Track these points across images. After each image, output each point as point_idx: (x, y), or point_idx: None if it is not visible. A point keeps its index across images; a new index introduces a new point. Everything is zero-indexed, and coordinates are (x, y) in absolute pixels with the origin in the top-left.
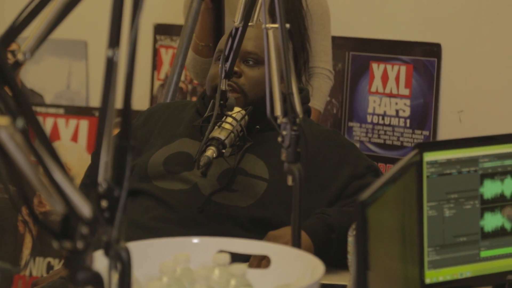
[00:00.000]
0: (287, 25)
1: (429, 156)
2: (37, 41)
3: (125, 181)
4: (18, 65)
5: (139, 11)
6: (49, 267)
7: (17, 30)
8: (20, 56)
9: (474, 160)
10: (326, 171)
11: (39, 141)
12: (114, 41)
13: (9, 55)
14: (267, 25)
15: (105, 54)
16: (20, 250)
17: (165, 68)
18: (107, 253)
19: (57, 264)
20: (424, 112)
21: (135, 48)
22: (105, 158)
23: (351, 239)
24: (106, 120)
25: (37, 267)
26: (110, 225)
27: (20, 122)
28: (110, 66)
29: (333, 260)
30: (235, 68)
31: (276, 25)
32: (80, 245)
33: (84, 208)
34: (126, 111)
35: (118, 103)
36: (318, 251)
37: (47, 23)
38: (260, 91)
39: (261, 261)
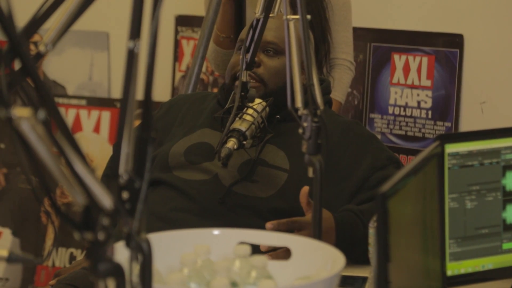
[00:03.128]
0: (308, 16)
1: (450, 148)
2: (58, 32)
3: (146, 172)
4: (40, 56)
5: (160, 2)
6: (72, 257)
7: (39, 21)
8: (42, 48)
9: (496, 152)
10: (347, 162)
11: (61, 132)
12: (135, 32)
13: (32, 46)
14: (288, 16)
15: (126, 46)
16: (42, 241)
17: (186, 60)
18: (128, 245)
19: (80, 255)
20: (446, 104)
21: (156, 40)
22: (126, 149)
23: (372, 231)
24: (127, 112)
25: (60, 258)
26: (131, 217)
27: (41, 114)
28: (131, 57)
29: (358, 255)
30: (255, 58)
31: (297, 16)
32: (101, 236)
33: (105, 199)
34: (147, 103)
35: (139, 95)
36: (341, 240)
37: (69, 14)
38: (279, 81)
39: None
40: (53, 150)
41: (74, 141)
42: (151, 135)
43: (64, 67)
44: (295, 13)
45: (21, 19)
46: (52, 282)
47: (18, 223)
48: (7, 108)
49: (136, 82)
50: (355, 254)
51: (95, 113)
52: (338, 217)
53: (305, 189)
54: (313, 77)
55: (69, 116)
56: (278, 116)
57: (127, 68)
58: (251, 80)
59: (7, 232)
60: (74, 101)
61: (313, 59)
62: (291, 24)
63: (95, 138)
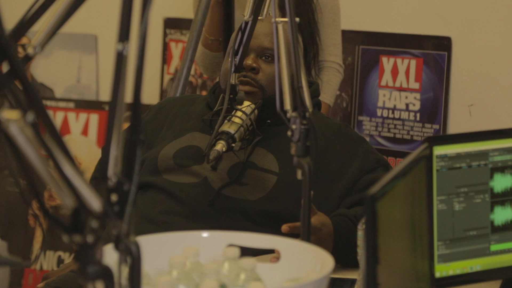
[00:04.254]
0: (297, 19)
1: (439, 150)
2: (47, 35)
3: (134, 175)
4: (28, 59)
5: (149, 5)
6: (60, 260)
7: (27, 24)
8: (30, 50)
9: (484, 154)
10: (336, 165)
11: (49, 135)
12: (124, 35)
13: (20, 49)
14: (277, 19)
15: (115, 48)
16: (30, 244)
17: (174, 62)
18: (117, 247)
19: (68, 258)
20: (434, 106)
21: (145, 42)
22: (115, 152)
23: (360, 233)
24: (116, 114)
25: (48, 261)
26: (120, 219)
27: (30, 116)
28: (120, 60)
29: (352, 260)
30: (253, 64)
31: (285, 19)
32: (90, 239)
33: (94, 202)
34: (136, 105)
35: (128, 97)
36: (338, 245)
37: (57, 17)
38: None
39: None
40: (41, 152)
41: (63, 144)
42: (140, 137)
43: (52, 69)
44: (283, 15)
45: (9, 22)
46: (41, 285)
47: (5, 226)
48: None
49: (125, 85)
50: (349, 259)
51: (83, 115)
52: (335, 222)
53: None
54: (302, 80)
55: (57, 119)
56: (269, 121)
57: (116, 70)
58: (244, 84)
59: None
60: (62, 104)
61: (302, 61)
62: (280, 27)
63: (83, 140)
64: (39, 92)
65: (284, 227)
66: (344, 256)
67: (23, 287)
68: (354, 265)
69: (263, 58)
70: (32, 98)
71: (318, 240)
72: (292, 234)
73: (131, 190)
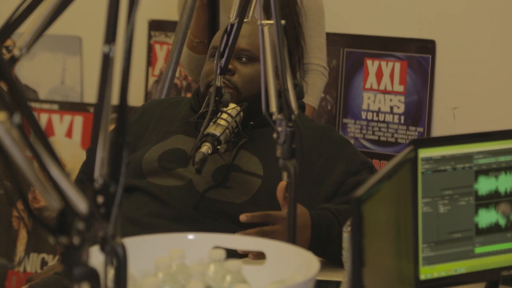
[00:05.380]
0: (283, 22)
1: (424, 153)
2: (33, 36)
3: (121, 177)
4: (14, 60)
5: (135, 7)
6: (43, 263)
7: (13, 26)
8: (16, 52)
9: (468, 157)
10: (320, 167)
11: (36, 136)
12: (110, 37)
13: (3, 51)
14: (263, 22)
15: (102, 50)
16: (14, 246)
17: (159, 64)
18: (103, 249)
19: (51, 260)
20: (418, 109)
21: (131, 44)
22: (101, 154)
23: (346, 236)
24: (102, 116)
25: (31, 263)
26: (106, 221)
27: (17, 118)
28: (107, 62)
29: (332, 254)
30: (229, 66)
31: (271, 22)
32: (76, 240)
33: (80, 203)
34: (122, 107)
35: (114, 99)
36: (316, 237)
37: (43, 19)
38: (253, 88)
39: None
40: (26, 154)
41: (49, 145)
42: (126, 139)
43: (36, 71)
44: (268, 18)
45: None
46: (25, 287)
47: None
48: None
49: (112, 87)
50: (328, 253)
51: (67, 117)
52: (314, 214)
53: (283, 184)
54: (287, 82)
55: (41, 121)
56: (252, 122)
57: (102, 72)
58: (225, 87)
59: None
60: (46, 106)
61: (287, 64)
62: (266, 29)
63: (68, 142)
64: (26, 94)
65: (242, 217)
66: (323, 249)
67: None
68: (334, 259)
69: (239, 59)
70: (19, 100)
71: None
72: (252, 225)
73: (117, 192)
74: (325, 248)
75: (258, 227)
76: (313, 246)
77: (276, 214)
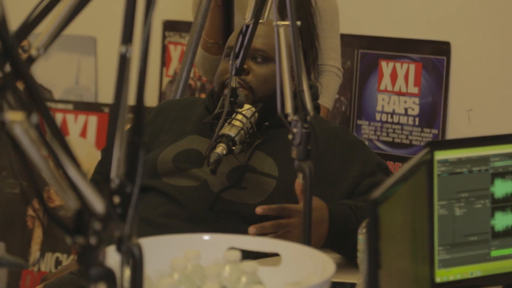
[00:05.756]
0: (298, 23)
1: (440, 155)
2: (50, 37)
3: (137, 177)
4: (31, 60)
5: (152, 7)
6: (58, 262)
7: (31, 26)
8: (33, 52)
9: (485, 159)
10: (336, 168)
11: (53, 136)
12: (127, 37)
13: (19, 51)
14: (278, 22)
15: (118, 51)
16: (28, 245)
17: (173, 65)
18: (119, 249)
19: (66, 260)
20: (433, 111)
21: (148, 45)
22: (117, 154)
23: (361, 238)
24: (118, 116)
25: (46, 263)
26: (122, 221)
27: (34, 118)
28: (123, 62)
29: (349, 250)
30: (244, 66)
31: (287, 23)
32: (93, 240)
33: (97, 203)
34: (139, 108)
35: (130, 100)
36: (334, 231)
37: (60, 19)
38: (268, 89)
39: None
40: (43, 154)
41: (66, 145)
42: (142, 139)
43: (51, 71)
44: (283, 19)
45: (13, 23)
46: (39, 287)
47: (3, 227)
48: (0, 112)
49: (128, 87)
50: (345, 248)
51: (82, 117)
52: (332, 208)
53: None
54: (303, 83)
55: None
56: (266, 123)
57: (119, 73)
58: (240, 88)
59: None
60: (60, 106)
61: (303, 65)
62: (281, 30)
63: (82, 142)
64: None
65: (251, 229)
66: (340, 243)
67: None
68: (350, 256)
69: (254, 59)
70: (37, 100)
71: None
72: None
73: (133, 192)
74: (342, 243)
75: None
76: (330, 241)
77: (292, 207)
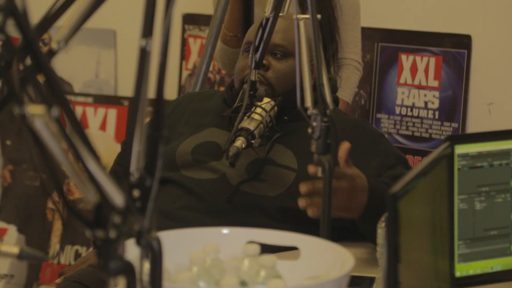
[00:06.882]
0: (318, 16)
1: (460, 149)
2: (71, 30)
3: (157, 171)
4: (52, 53)
5: (172, 0)
6: (77, 255)
7: (52, 19)
8: (54, 45)
9: (506, 153)
10: (356, 161)
11: (73, 130)
12: (147, 30)
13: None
14: (298, 16)
15: (138, 44)
16: (48, 238)
17: (193, 58)
18: (138, 243)
19: (85, 252)
20: (453, 104)
21: (168, 38)
22: (137, 147)
23: (381, 232)
24: (138, 110)
25: (65, 255)
26: (141, 215)
27: (55, 111)
28: (143, 55)
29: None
30: (264, 61)
31: (307, 16)
32: (112, 234)
33: (117, 197)
34: (159, 101)
35: (150, 93)
36: (371, 205)
37: (81, 12)
38: (287, 84)
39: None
40: (63, 147)
41: (87, 139)
42: (162, 133)
43: (71, 64)
44: (304, 12)
45: (34, 17)
46: (59, 280)
47: (23, 220)
48: (21, 105)
49: (148, 80)
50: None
51: (101, 110)
52: (373, 182)
53: (347, 145)
54: (323, 77)
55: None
56: (286, 118)
57: (139, 66)
58: (259, 83)
59: (12, 229)
60: (80, 99)
61: (323, 58)
62: (301, 24)
63: (102, 135)
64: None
65: (302, 188)
66: (375, 217)
67: (41, 281)
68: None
69: (274, 55)
70: (58, 93)
71: (351, 189)
72: (286, 219)
73: (153, 186)
74: (377, 216)
75: (291, 222)
76: (368, 212)
77: (343, 171)
